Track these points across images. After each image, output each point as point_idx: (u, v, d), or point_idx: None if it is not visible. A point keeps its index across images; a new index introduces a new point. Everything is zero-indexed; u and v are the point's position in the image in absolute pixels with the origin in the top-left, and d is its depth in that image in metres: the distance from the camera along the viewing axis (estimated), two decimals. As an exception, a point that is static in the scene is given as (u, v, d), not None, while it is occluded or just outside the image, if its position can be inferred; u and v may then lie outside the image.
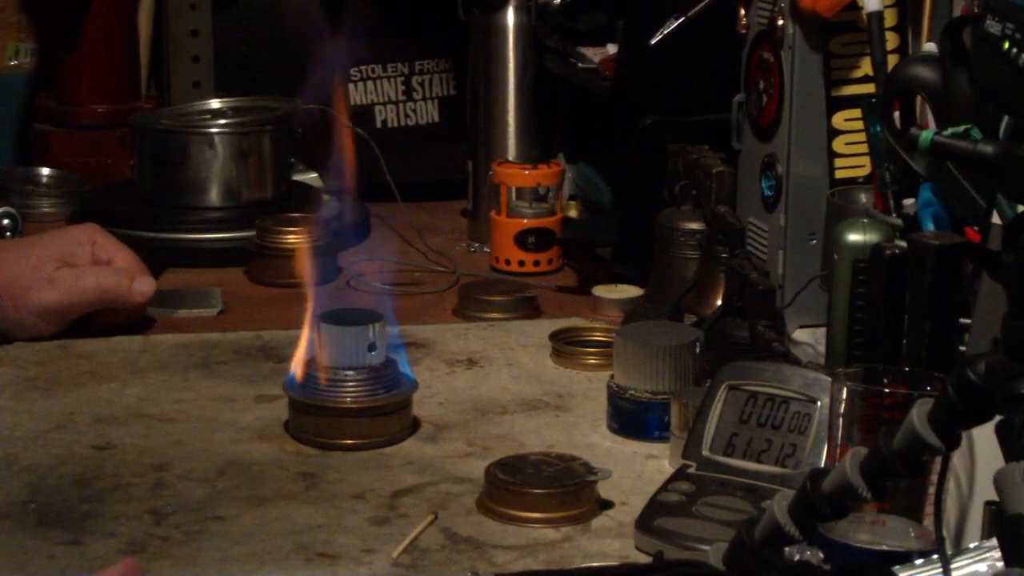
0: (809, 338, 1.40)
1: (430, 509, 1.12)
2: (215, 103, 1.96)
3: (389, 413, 1.25)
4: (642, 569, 0.88)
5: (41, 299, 1.45)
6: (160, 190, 1.83)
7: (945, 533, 0.86)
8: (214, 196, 1.82)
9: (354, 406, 1.24)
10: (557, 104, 1.87)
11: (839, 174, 1.42)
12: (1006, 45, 0.92)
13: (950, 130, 1.08)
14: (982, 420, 0.80)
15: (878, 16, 1.36)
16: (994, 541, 0.83)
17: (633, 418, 1.26)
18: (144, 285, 1.49)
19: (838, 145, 1.42)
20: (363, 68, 2.13)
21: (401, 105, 2.16)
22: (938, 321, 1.12)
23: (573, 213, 1.85)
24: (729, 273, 1.32)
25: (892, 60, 1.36)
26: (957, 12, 1.32)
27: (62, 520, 1.11)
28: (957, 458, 0.98)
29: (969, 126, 1.08)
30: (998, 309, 1.06)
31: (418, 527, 1.09)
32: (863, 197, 1.39)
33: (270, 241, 1.70)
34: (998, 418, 0.80)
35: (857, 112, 1.39)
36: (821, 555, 0.93)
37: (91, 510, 1.12)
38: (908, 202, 1.30)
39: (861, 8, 1.38)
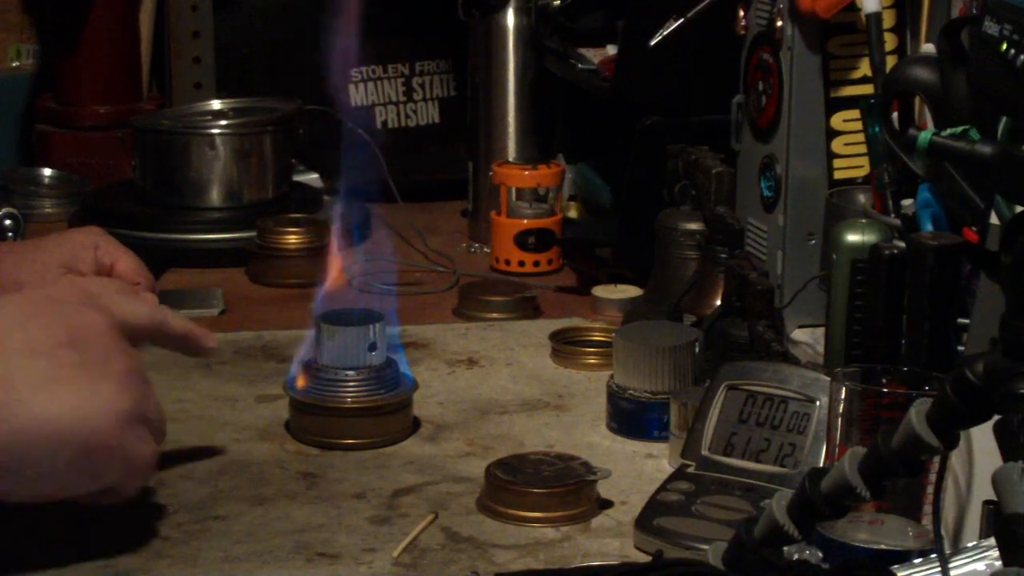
0: (808, 338, 1.40)
1: (430, 508, 1.13)
2: (216, 104, 1.97)
3: (389, 413, 1.25)
4: (641, 568, 0.88)
5: None
6: (161, 191, 1.83)
7: (943, 532, 0.86)
8: (215, 197, 1.82)
9: (354, 406, 1.24)
10: (557, 104, 1.88)
11: (838, 175, 1.43)
12: (1004, 46, 0.92)
13: (948, 131, 1.08)
14: (980, 420, 0.81)
15: (877, 17, 1.37)
16: (992, 540, 0.84)
17: (633, 418, 1.26)
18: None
19: (837, 146, 1.43)
20: (364, 69, 2.14)
21: (401, 106, 2.16)
22: (936, 321, 1.12)
23: (573, 213, 1.86)
24: (728, 273, 1.32)
25: (891, 61, 1.37)
26: (955, 13, 1.33)
27: (63, 519, 1.11)
28: (955, 458, 0.98)
29: (967, 127, 1.09)
30: (996, 309, 1.06)
31: (418, 526, 1.09)
32: (862, 197, 1.39)
33: (271, 242, 1.70)
34: (996, 418, 0.80)
35: (856, 113, 1.40)
36: (820, 554, 0.93)
37: (92, 509, 1.12)
38: (906, 202, 1.30)
39: (860, 9, 1.38)
